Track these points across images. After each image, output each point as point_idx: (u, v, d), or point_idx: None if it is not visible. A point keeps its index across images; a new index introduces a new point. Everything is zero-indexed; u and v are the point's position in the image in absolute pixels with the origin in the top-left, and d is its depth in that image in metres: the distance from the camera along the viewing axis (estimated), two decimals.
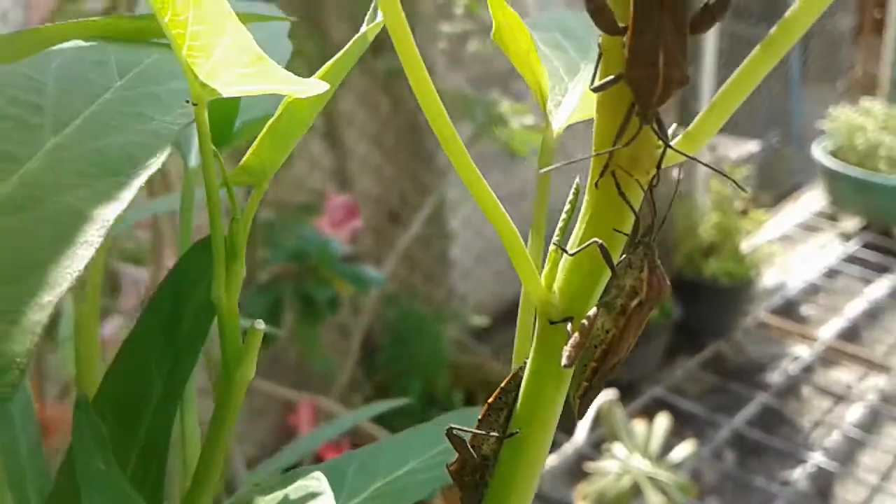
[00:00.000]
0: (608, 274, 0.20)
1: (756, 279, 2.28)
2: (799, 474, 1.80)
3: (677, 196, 2.34)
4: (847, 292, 2.43)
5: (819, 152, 2.71)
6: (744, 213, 2.32)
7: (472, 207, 2.14)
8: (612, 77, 0.18)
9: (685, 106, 2.55)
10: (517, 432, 0.22)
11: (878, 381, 2.09)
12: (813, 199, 2.86)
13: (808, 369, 2.16)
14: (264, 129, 0.21)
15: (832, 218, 2.77)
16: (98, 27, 0.22)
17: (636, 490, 1.50)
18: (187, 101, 0.21)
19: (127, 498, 0.18)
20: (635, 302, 0.19)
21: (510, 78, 1.99)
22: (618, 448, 1.54)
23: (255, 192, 0.22)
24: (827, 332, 2.27)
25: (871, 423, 1.98)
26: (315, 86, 0.20)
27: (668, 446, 1.62)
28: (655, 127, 0.18)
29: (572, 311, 0.20)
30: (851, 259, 2.56)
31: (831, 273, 2.52)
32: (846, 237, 2.68)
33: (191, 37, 0.19)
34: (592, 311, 0.20)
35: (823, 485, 1.79)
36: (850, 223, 2.73)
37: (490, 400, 0.22)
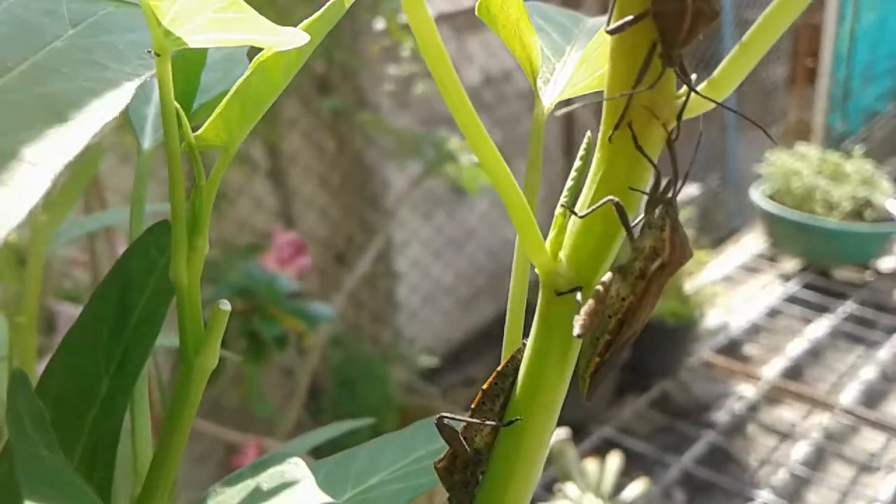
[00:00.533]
0: (621, 238, 0.18)
1: (700, 319, 2.30)
2: None
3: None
4: (789, 332, 2.47)
5: (757, 196, 2.77)
6: None
7: (419, 249, 2.13)
8: (631, 17, 0.16)
9: None
10: (517, 419, 0.19)
11: (822, 419, 2.11)
12: (753, 241, 2.91)
13: (753, 408, 2.17)
14: (233, 90, 0.19)
15: (772, 259, 2.83)
16: None
17: None
18: (148, 52, 0.18)
19: (74, 488, 0.15)
20: (656, 264, 0.17)
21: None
22: (570, 488, 1.52)
23: (222, 158, 0.20)
24: (770, 371, 2.29)
25: (817, 461, 1.99)
26: (297, 37, 0.18)
27: (618, 486, 1.61)
28: (679, 71, 0.16)
29: (581, 280, 0.18)
30: (792, 299, 2.61)
31: (773, 313, 2.55)
32: (786, 278, 2.73)
33: None
34: (607, 276, 0.18)
35: None
36: (790, 264, 2.78)
37: (485, 386, 0.20)
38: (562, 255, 0.19)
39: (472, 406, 0.20)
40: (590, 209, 0.18)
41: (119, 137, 1.50)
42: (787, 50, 3.14)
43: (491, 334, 2.29)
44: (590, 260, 0.18)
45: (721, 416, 2.15)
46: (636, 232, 0.18)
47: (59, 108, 0.16)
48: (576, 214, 0.18)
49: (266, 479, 0.16)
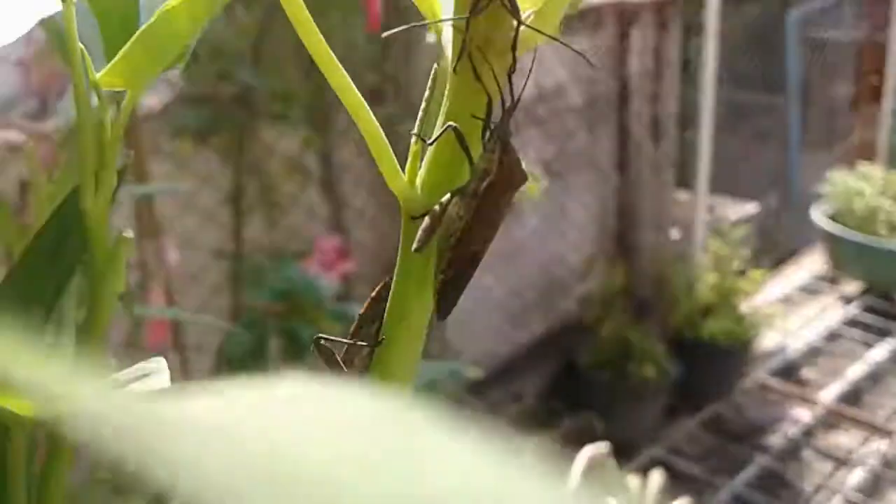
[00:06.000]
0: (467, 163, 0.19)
1: (755, 340, 2.25)
2: None
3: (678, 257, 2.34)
4: (848, 356, 2.40)
5: (818, 216, 2.70)
6: (742, 273, 2.31)
7: None
8: None
9: (684, 166, 2.57)
10: (382, 339, 0.21)
11: (880, 446, 2.05)
12: (813, 262, 2.85)
13: (808, 433, 2.12)
14: (136, 34, 0.21)
15: (832, 281, 2.76)
16: None
17: None
18: None
19: None
20: (486, 183, 0.19)
21: None
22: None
23: (129, 97, 0.22)
24: (828, 395, 2.23)
25: (873, 488, 1.93)
26: None
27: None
28: (507, 2, 0.18)
29: (434, 204, 0.20)
30: (852, 322, 2.54)
31: (832, 336, 2.49)
32: (847, 300, 2.66)
33: None
34: (445, 197, 0.19)
35: None
36: (851, 287, 2.71)
37: (361, 311, 0.22)
38: (417, 181, 0.20)
39: (351, 331, 0.22)
40: (435, 136, 0.19)
41: (175, 146, 1.56)
42: (852, 68, 3.07)
43: (540, 350, 2.29)
44: (440, 184, 0.20)
45: (775, 439, 2.10)
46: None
47: None
48: (424, 142, 0.20)
49: (128, 373, 0.18)
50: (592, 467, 1.64)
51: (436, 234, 0.19)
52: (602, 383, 2.12)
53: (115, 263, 0.21)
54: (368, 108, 0.20)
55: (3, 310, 0.25)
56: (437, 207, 0.19)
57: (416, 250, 0.19)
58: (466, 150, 0.19)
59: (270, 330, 1.23)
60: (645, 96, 2.34)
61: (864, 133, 2.93)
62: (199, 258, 1.53)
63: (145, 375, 0.17)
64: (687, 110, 2.57)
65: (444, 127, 0.19)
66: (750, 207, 2.65)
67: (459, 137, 0.19)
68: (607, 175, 2.35)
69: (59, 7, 0.20)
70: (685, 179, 2.55)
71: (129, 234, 0.22)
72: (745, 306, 2.26)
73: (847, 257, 2.64)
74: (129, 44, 0.21)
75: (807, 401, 2.22)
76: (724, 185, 2.74)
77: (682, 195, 2.52)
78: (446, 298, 0.20)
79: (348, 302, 1.43)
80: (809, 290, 2.73)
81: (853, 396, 2.23)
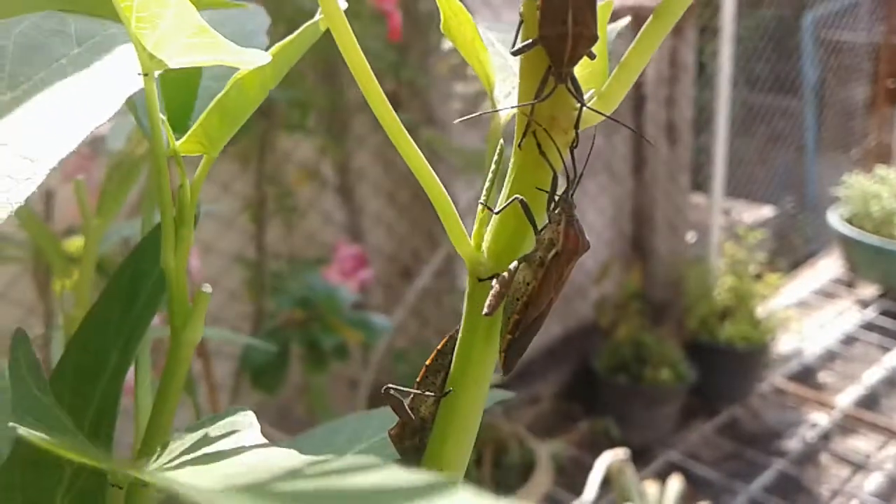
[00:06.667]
0: (532, 231, 0.21)
1: (772, 344, 2.25)
2: None
3: (690, 260, 2.35)
4: (865, 360, 2.40)
5: (835, 219, 2.70)
6: (758, 277, 2.31)
7: None
8: (529, 41, 0.19)
9: (699, 170, 2.57)
10: (450, 391, 0.22)
11: None
12: (829, 265, 2.84)
13: (825, 437, 2.12)
14: (212, 103, 0.22)
15: (849, 285, 2.75)
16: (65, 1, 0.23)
17: None
18: (138, 74, 0.22)
19: (57, 420, 0.19)
20: (552, 253, 0.20)
21: None
22: None
23: (205, 162, 0.23)
24: (845, 399, 2.23)
25: (891, 493, 1.93)
26: (256, 57, 0.21)
27: None
28: (571, 87, 0.19)
29: (500, 268, 0.21)
30: (869, 326, 2.53)
31: (849, 340, 2.48)
32: (864, 304, 2.65)
33: (137, 9, 0.20)
34: (513, 264, 0.20)
35: None
36: (868, 290, 2.70)
37: (427, 362, 0.23)
38: (483, 246, 0.21)
39: (418, 380, 0.23)
40: (502, 207, 0.21)
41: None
42: (868, 71, 3.06)
43: (557, 353, 2.30)
44: (506, 250, 0.21)
45: (792, 444, 2.10)
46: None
47: (58, 116, 0.20)
48: (492, 211, 0.21)
49: (219, 427, 0.19)
50: (611, 476, 1.63)
51: (504, 300, 0.20)
52: (618, 387, 2.13)
53: (195, 316, 0.23)
54: (433, 171, 0.21)
55: (79, 354, 0.26)
56: (505, 274, 0.20)
57: (487, 315, 0.20)
58: (532, 220, 0.20)
59: (291, 337, 1.25)
60: (660, 100, 2.35)
61: (880, 136, 2.92)
62: (217, 263, 1.55)
63: (235, 431, 0.18)
64: (702, 114, 2.57)
65: (511, 199, 0.20)
66: (766, 211, 2.65)
67: (525, 209, 0.20)
68: (623, 179, 2.36)
69: (141, 84, 0.21)
70: (701, 183, 2.55)
71: (208, 289, 0.23)
72: (761, 310, 2.26)
73: (864, 261, 2.64)
74: (205, 113, 0.22)
75: (824, 405, 2.22)
76: (740, 188, 2.74)
77: (698, 199, 2.52)
78: (512, 356, 0.22)
79: (366, 309, 1.44)
80: (826, 294, 2.72)
81: (870, 401, 2.23)
